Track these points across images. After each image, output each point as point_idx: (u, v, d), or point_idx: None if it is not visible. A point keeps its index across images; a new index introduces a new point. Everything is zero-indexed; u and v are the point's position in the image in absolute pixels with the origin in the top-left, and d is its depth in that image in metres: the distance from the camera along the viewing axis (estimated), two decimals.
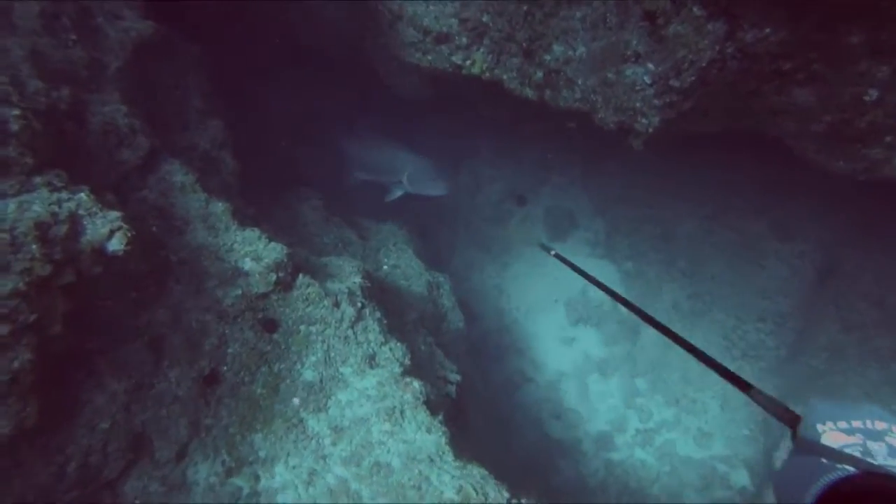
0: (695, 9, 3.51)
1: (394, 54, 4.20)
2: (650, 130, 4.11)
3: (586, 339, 5.73)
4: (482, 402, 4.56)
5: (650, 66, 3.84)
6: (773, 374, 5.76)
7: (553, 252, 3.03)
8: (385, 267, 4.34)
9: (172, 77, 3.63)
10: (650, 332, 5.89)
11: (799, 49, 3.61)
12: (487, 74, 4.00)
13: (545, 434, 5.26)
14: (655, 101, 3.98)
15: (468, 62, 4.04)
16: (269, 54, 5.01)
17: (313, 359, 3.09)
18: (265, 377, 2.91)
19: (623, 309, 5.92)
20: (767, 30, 3.51)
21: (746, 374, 5.79)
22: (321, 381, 3.05)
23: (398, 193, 5.13)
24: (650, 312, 6.09)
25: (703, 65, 3.72)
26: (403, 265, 4.42)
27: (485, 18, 3.87)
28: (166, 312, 2.66)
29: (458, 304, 4.64)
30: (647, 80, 3.90)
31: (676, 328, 5.60)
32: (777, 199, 6.02)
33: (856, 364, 5.40)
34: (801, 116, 4.12)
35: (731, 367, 5.39)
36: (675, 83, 3.87)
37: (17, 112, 2.52)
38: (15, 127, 2.48)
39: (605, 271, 6.04)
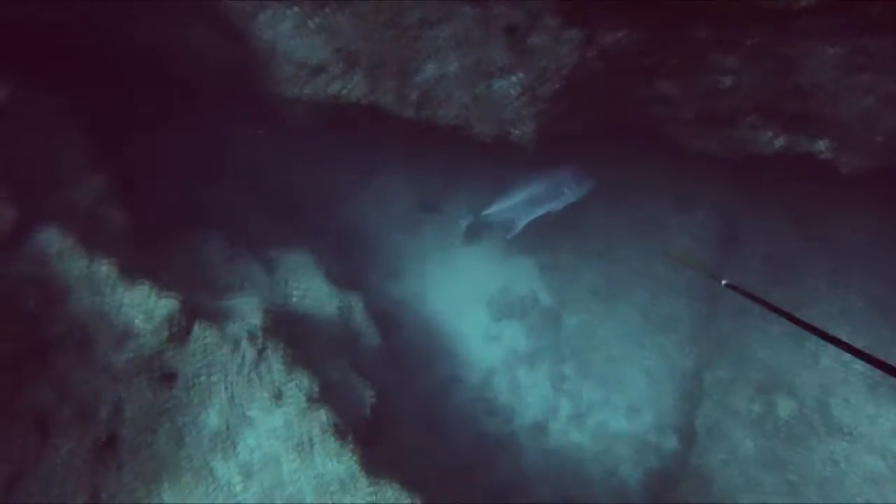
0: (550, 20, 3.67)
1: (274, 89, 4.24)
2: (526, 139, 4.27)
3: (511, 333, 5.92)
4: (409, 411, 4.67)
5: (517, 77, 4.00)
6: (690, 343, 6.05)
7: (725, 282, 2.91)
8: (294, 296, 4.38)
9: (41, 135, 3.58)
10: (573, 320, 6.12)
11: (655, 46, 3.83)
12: (366, 100, 4.09)
13: (481, 432, 5.42)
14: (526, 111, 4.14)
15: (345, 90, 4.12)
16: (154, 96, 4.95)
17: (218, 405, 3.14)
18: (168, 432, 2.94)
19: (544, 300, 6.21)
20: (621, 32, 3.70)
21: (670, 348, 6.09)
22: (227, 426, 3.10)
23: (560, 207, 5.44)
24: (571, 298, 6.17)
25: (567, 71, 3.90)
26: (313, 291, 4.47)
27: (355, 46, 3.96)
28: (50, 388, 2.66)
29: (376, 318, 4.72)
30: (516, 90, 4.06)
31: (598, 310, 5.75)
32: (676, 176, 6.33)
33: (759, 321, 5.74)
34: (669, 106, 4.36)
35: (657, 345, 5.58)
36: (543, 90, 4.04)
37: None
38: None
39: (525, 266, 6.23)
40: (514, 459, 5.40)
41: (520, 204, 5.40)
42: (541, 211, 5.40)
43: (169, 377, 3.03)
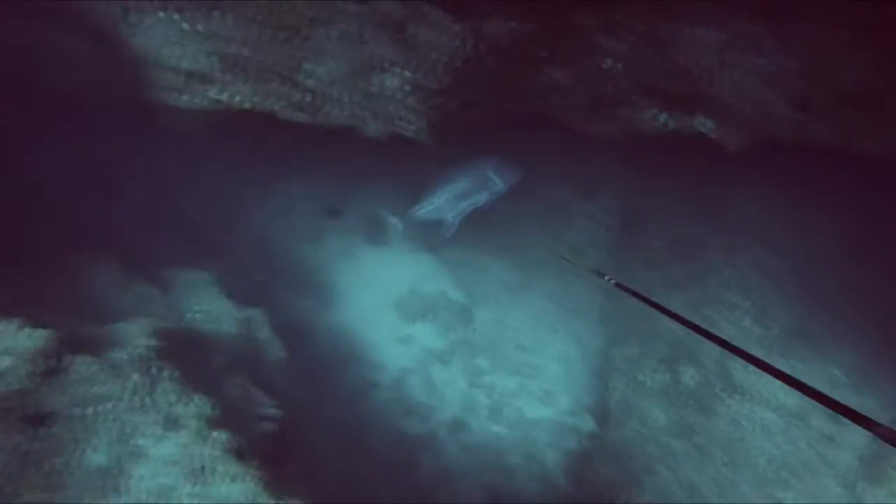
0: (438, 13, 3.66)
1: (157, 98, 4.03)
2: (420, 136, 4.26)
3: (422, 332, 5.89)
4: (323, 421, 4.57)
5: (407, 73, 3.97)
6: (601, 324, 6.23)
7: (612, 281, 2.95)
8: (191, 316, 4.20)
9: None
10: (483, 314, 6.16)
11: (545, 36, 3.88)
12: (257, 106, 3.96)
13: (400, 433, 5.37)
14: (418, 106, 4.12)
15: (236, 98, 3.97)
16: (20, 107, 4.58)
17: (105, 439, 2.95)
18: (45, 477, 2.74)
19: (452, 297, 6.21)
20: (512, 23, 3.74)
21: (580, 331, 6.24)
22: (117, 460, 2.92)
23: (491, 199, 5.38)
24: (480, 292, 6.24)
25: (458, 64, 3.90)
26: (212, 309, 4.30)
27: (244, 51, 3.82)
28: None
29: (283, 331, 4.60)
30: (407, 87, 4.03)
31: (507, 302, 5.80)
32: (578, 163, 6.49)
33: (662, 296, 5.97)
34: (564, 93, 4.44)
35: (568, 330, 5.67)
36: (433, 85, 4.03)
37: None
38: None
39: (432, 264, 6.22)
40: (434, 456, 5.39)
41: (450, 200, 5.38)
42: (472, 204, 5.40)
43: (42, 416, 2.82)
